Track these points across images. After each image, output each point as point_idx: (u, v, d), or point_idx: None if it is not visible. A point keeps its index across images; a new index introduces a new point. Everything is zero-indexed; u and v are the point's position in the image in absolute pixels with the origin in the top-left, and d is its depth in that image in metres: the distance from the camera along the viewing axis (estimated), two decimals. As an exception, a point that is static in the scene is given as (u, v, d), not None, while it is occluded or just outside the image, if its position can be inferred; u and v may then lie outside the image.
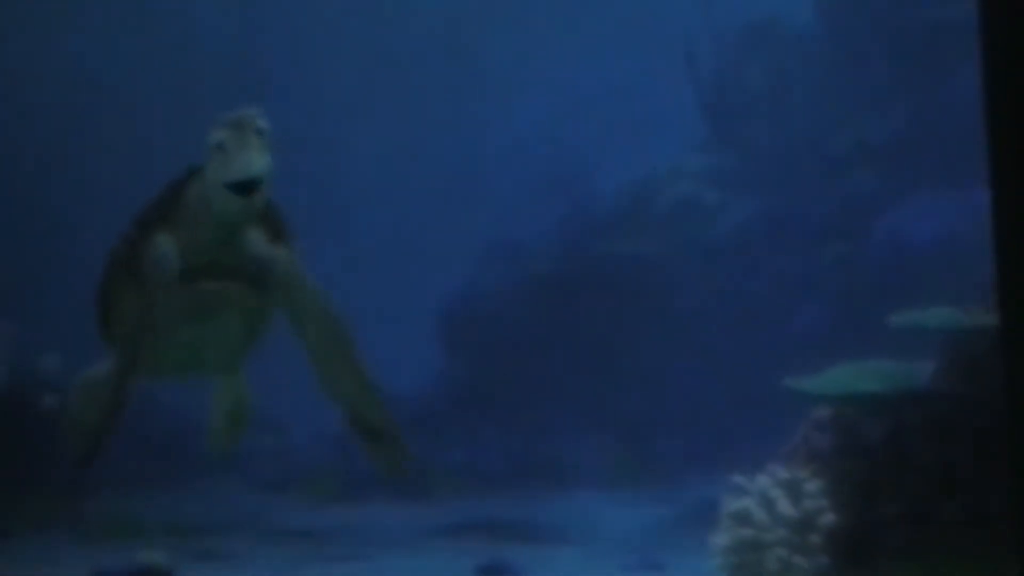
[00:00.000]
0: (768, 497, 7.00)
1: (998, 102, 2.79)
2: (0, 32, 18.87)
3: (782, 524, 6.90)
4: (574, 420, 15.05)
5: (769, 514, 6.96)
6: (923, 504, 6.71)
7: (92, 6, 19.98)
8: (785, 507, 6.91)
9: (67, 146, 18.79)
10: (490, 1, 21.26)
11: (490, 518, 12.69)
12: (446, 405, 15.53)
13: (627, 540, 11.42)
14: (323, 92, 20.80)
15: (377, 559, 11.18)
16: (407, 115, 20.70)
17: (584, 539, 11.85)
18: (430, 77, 21.11)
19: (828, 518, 6.86)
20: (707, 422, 14.33)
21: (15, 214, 16.98)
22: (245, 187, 4.97)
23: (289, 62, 20.76)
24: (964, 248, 11.93)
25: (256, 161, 4.95)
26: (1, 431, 12.92)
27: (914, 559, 6.65)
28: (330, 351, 5.39)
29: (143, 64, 19.78)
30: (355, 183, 20.31)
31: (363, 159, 20.42)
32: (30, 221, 17.27)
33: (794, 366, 7.62)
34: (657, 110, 19.03)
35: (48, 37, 19.38)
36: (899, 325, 7.33)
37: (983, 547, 6.46)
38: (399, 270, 19.63)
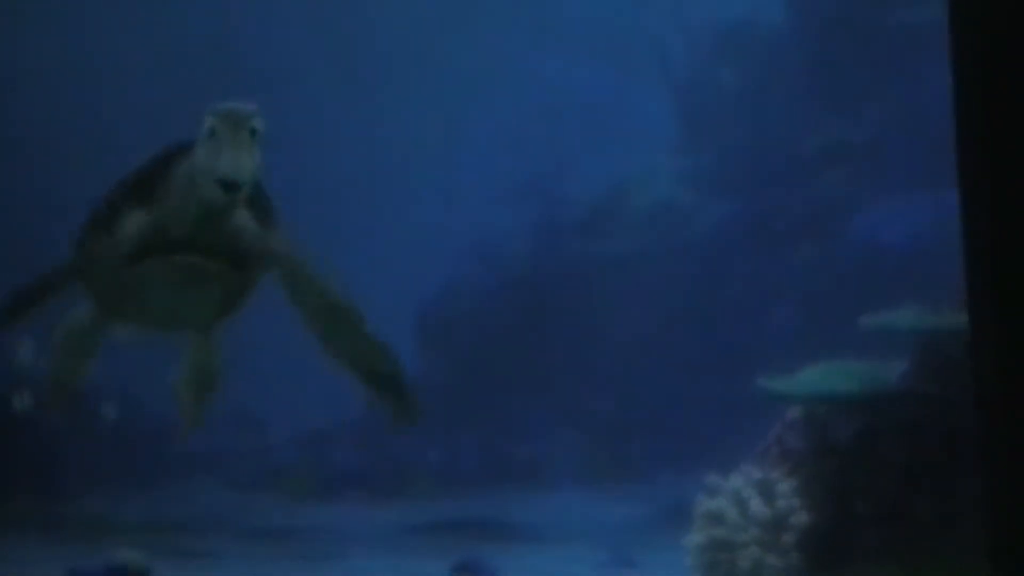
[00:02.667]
0: (741, 497, 7.03)
1: (968, 104, 2.83)
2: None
3: (755, 524, 6.94)
4: (549, 419, 15.07)
5: (742, 514, 7.00)
6: (894, 503, 6.76)
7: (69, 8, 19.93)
8: (758, 507, 6.95)
9: (45, 132, 18.72)
10: (465, 3, 21.26)
11: (465, 517, 12.70)
12: (422, 405, 15.51)
13: (601, 538, 11.44)
14: (296, 94, 20.76)
15: (353, 558, 11.18)
16: (383, 117, 20.68)
17: (558, 537, 11.88)
18: (405, 79, 21.09)
19: (801, 518, 6.90)
20: (681, 422, 14.36)
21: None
22: (230, 185, 4.98)
23: (263, 66, 20.72)
24: (935, 249, 11.99)
25: (245, 163, 4.95)
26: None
27: (886, 558, 6.70)
28: (338, 332, 5.41)
29: (122, 57, 19.73)
30: (329, 185, 20.30)
31: (337, 161, 20.39)
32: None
33: (767, 366, 7.66)
34: (632, 112, 19.07)
35: (26, 25, 19.31)
36: (870, 326, 7.38)
37: (953, 545, 6.50)
38: (375, 271, 19.61)
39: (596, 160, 17.55)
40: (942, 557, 6.54)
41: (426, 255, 17.26)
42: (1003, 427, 2.79)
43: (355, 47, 21.33)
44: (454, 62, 21.13)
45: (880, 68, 14.99)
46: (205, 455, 15.10)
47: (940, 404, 6.73)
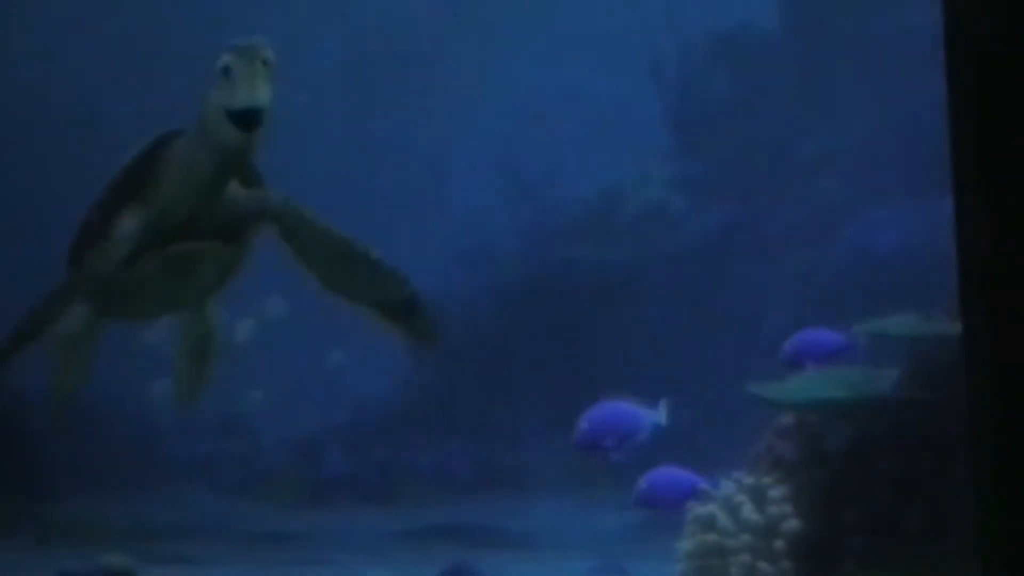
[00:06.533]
0: (733, 503, 7.01)
1: (962, 111, 2.81)
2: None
3: (746, 530, 6.92)
4: (539, 426, 15.05)
5: (733, 520, 6.98)
6: (886, 511, 6.74)
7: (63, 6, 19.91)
8: (749, 513, 6.93)
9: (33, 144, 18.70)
10: (456, 8, 21.26)
11: (456, 523, 12.70)
12: (412, 410, 15.52)
13: (591, 545, 11.43)
14: (287, 97, 20.72)
15: (343, 564, 11.17)
16: (372, 122, 20.67)
17: (549, 544, 11.87)
18: (396, 83, 21.09)
19: (792, 524, 6.88)
20: (672, 428, 14.33)
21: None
22: (248, 117, 4.98)
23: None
24: (928, 256, 11.99)
25: (262, 91, 5.01)
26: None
27: (877, 565, 6.68)
28: (346, 269, 5.50)
29: (109, 67, 19.72)
30: (320, 188, 20.26)
31: (328, 165, 20.38)
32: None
33: (759, 372, 7.65)
34: (624, 117, 19.06)
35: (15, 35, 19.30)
36: (863, 332, 7.36)
37: (945, 554, 6.49)
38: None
39: (588, 166, 17.54)
40: (933, 565, 6.52)
41: (416, 261, 17.23)
42: (996, 435, 2.77)
43: (346, 51, 21.33)
44: (445, 67, 21.12)
45: (874, 74, 15.00)
46: (194, 460, 15.08)
47: (932, 412, 6.71)
